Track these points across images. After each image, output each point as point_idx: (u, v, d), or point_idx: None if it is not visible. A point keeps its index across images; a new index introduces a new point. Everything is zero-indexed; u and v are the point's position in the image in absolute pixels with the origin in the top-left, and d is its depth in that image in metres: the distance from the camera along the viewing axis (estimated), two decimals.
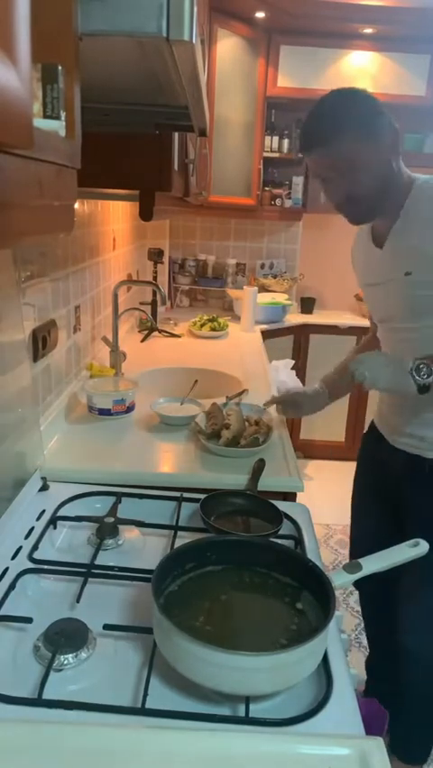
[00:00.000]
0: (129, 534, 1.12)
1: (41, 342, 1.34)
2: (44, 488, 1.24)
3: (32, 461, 1.27)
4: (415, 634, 1.45)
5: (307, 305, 3.84)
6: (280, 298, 3.51)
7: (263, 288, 3.64)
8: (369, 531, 1.58)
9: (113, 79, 0.85)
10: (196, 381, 1.88)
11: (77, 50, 0.54)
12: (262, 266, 3.95)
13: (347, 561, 0.94)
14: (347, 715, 0.74)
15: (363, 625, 2.23)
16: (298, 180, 3.60)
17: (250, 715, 0.72)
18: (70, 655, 0.79)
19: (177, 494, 1.23)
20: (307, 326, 3.60)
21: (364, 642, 2.17)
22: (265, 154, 3.47)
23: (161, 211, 1.46)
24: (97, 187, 1.35)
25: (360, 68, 3.28)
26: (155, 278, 3.03)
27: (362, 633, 2.21)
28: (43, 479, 1.26)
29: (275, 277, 3.83)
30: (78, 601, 0.90)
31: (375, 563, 0.92)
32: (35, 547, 1.03)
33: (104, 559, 1.01)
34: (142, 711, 0.72)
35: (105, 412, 1.61)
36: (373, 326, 1.62)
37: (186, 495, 1.22)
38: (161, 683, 0.77)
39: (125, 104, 1.03)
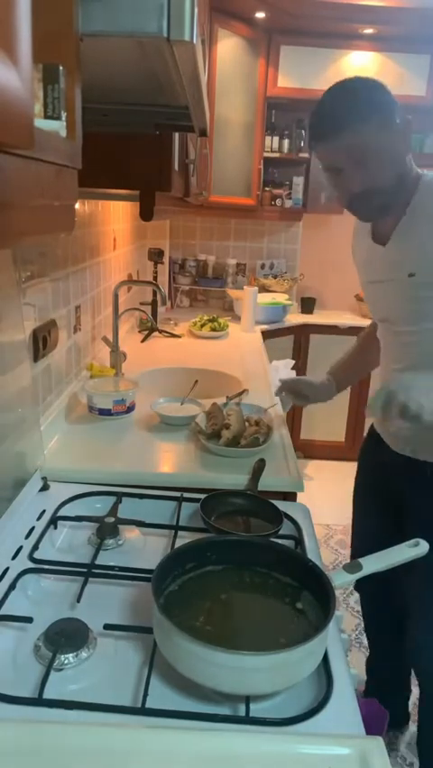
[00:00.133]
0: (129, 534, 1.12)
1: (41, 342, 1.35)
2: (45, 488, 1.24)
3: (33, 461, 1.27)
4: (427, 650, 1.41)
5: (307, 305, 3.84)
6: (281, 298, 3.51)
7: (264, 289, 3.64)
8: (370, 531, 1.57)
9: (113, 79, 0.85)
10: (196, 381, 1.88)
11: (78, 50, 0.54)
12: (263, 266, 3.95)
13: (347, 561, 0.94)
14: (347, 715, 0.74)
15: (363, 625, 2.23)
16: (298, 180, 3.61)
17: (250, 715, 0.72)
18: (71, 655, 0.79)
19: (177, 494, 1.23)
20: (307, 326, 3.61)
21: (365, 642, 2.17)
22: (265, 154, 3.47)
23: (162, 211, 1.46)
24: (98, 188, 1.35)
25: (360, 69, 3.28)
26: (155, 278, 3.03)
27: (362, 633, 2.22)
28: (44, 479, 1.26)
29: (275, 277, 3.83)
30: (78, 601, 0.90)
31: (375, 563, 0.92)
32: (36, 547, 1.03)
33: (104, 559, 1.01)
34: (143, 711, 0.72)
35: (105, 412, 1.61)
36: (373, 324, 1.58)
37: (186, 495, 1.22)
38: (162, 683, 0.77)
39: (126, 104, 1.03)
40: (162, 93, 0.91)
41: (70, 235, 1.63)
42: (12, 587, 0.92)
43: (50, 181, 0.50)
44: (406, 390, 1.13)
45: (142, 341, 2.67)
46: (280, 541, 1.04)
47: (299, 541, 1.10)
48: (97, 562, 0.99)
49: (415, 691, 1.80)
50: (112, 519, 1.11)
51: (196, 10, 0.56)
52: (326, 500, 3.14)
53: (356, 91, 1.16)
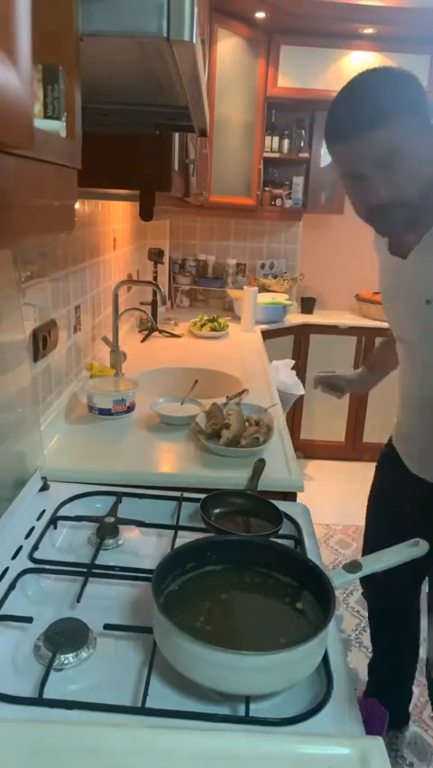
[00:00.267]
0: (129, 533, 1.12)
1: (41, 342, 1.35)
2: (44, 488, 1.24)
3: (33, 461, 1.27)
4: None
5: (307, 305, 3.84)
6: (281, 298, 3.51)
7: (264, 288, 3.64)
8: (381, 539, 1.53)
9: (113, 79, 0.85)
10: (196, 381, 1.88)
11: (77, 50, 0.54)
12: (263, 266, 3.95)
13: (347, 561, 0.94)
14: (347, 715, 0.74)
15: (363, 625, 2.24)
16: (298, 180, 3.61)
17: (250, 715, 0.72)
18: (71, 655, 0.79)
19: (177, 494, 1.23)
20: (307, 326, 3.61)
21: (365, 642, 2.17)
22: (265, 154, 3.47)
23: (162, 211, 1.46)
24: (98, 188, 1.35)
25: (360, 69, 3.24)
26: (155, 278, 3.03)
27: (362, 633, 2.22)
28: (44, 479, 1.26)
29: (275, 277, 3.83)
30: (78, 601, 0.90)
31: (375, 563, 0.92)
32: (35, 547, 1.03)
33: (104, 559, 1.01)
34: (143, 711, 0.72)
35: (105, 412, 1.61)
36: (391, 335, 1.45)
37: (186, 495, 1.22)
38: (161, 683, 0.77)
39: (126, 104, 1.03)
40: (162, 93, 0.91)
41: (70, 235, 1.63)
42: (12, 587, 0.92)
43: (50, 181, 0.50)
44: None
45: (142, 341, 2.67)
46: (280, 541, 1.04)
47: (299, 541, 1.10)
48: (97, 562, 0.99)
49: (416, 692, 1.80)
50: (112, 519, 1.11)
51: (196, 10, 0.56)
52: (326, 500, 3.15)
53: (388, 83, 1.00)
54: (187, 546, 0.93)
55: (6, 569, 0.96)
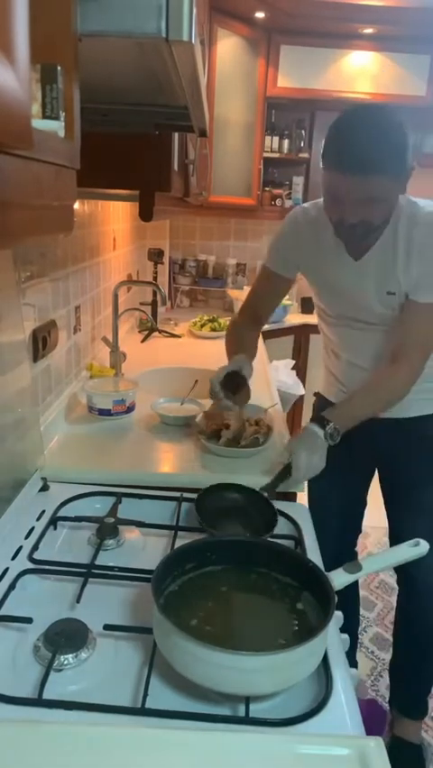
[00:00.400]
0: (129, 534, 1.12)
1: (41, 342, 1.34)
2: (44, 488, 1.24)
3: (32, 461, 1.27)
4: None
5: (307, 305, 3.83)
6: None
7: None
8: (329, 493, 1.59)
9: (112, 79, 0.85)
10: (196, 381, 1.87)
11: (76, 50, 0.54)
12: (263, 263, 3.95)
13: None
14: (347, 715, 0.74)
15: (363, 625, 2.23)
16: (298, 180, 3.60)
17: (250, 715, 0.72)
18: (70, 655, 0.79)
19: (177, 494, 1.23)
20: (307, 326, 3.60)
21: (366, 642, 2.17)
22: (265, 154, 3.46)
23: (161, 211, 1.46)
24: (97, 188, 1.35)
25: (360, 68, 3.28)
26: (155, 278, 3.03)
27: (362, 633, 2.22)
28: (43, 479, 1.26)
29: None
30: (78, 601, 0.90)
31: (375, 563, 0.92)
32: (35, 547, 1.03)
33: (104, 559, 1.01)
34: (142, 711, 0.72)
35: (105, 412, 1.61)
36: (250, 314, 1.68)
37: (186, 495, 1.22)
38: (161, 683, 0.77)
39: (125, 104, 1.03)
40: (162, 93, 0.91)
41: (70, 235, 1.63)
42: (11, 587, 0.92)
43: (49, 181, 0.50)
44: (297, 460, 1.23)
45: (142, 341, 2.67)
46: (279, 541, 1.04)
47: (299, 541, 1.10)
48: (97, 563, 0.99)
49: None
50: (112, 520, 1.11)
51: (194, 10, 0.56)
52: None
53: (387, 137, 1.16)
54: (187, 546, 0.93)
55: (6, 569, 0.96)
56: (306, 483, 1.33)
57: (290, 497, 1.32)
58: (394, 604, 1.72)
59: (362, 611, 2.33)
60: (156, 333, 2.76)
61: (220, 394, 1.43)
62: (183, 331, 2.92)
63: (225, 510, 1.18)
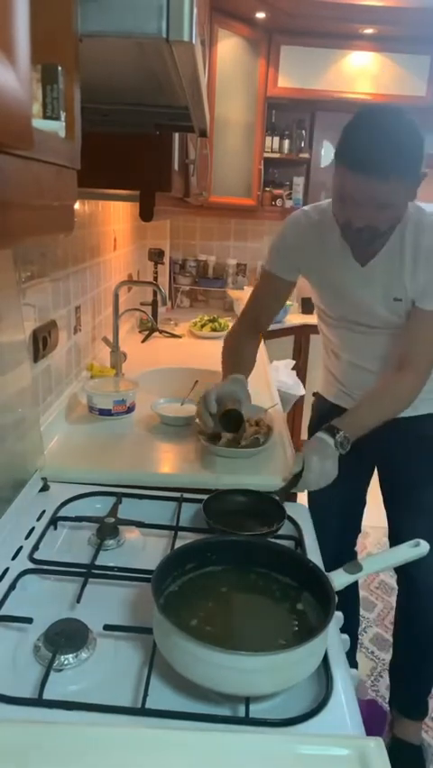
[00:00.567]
0: (129, 534, 1.12)
1: (41, 342, 1.34)
2: (44, 488, 1.24)
3: (33, 461, 1.27)
4: None
5: (307, 305, 3.83)
6: None
7: None
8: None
9: (113, 80, 0.85)
10: (196, 382, 1.87)
11: (76, 50, 0.54)
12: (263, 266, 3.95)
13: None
14: (347, 715, 0.74)
15: (363, 626, 2.23)
16: (298, 181, 3.60)
17: (250, 715, 0.72)
18: (70, 655, 0.79)
19: (177, 494, 1.23)
20: (307, 326, 3.60)
21: (366, 642, 2.17)
22: (266, 155, 3.46)
23: (162, 211, 1.46)
24: (98, 188, 1.35)
25: (360, 69, 3.28)
26: (156, 278, 3.03)
27: (362, 633, 2.22)
28: (44, 479, 1.26)
29: None
30: (78, 601, 0.90)
31: (375, 564, 0.92)
32: (35, 547, 1.03)
33: (104, 559, 1.01)
34: (142, 711, 0.72)
35: (105, 412, 1.61)
36: (250, 322, 1.65)
37: (186, 495, 1.22)
38: (161, 683, 0.77)
39: (125, 104, 1.03)
40: (162, 93, 0.91)
41: (70, 235, 1.63)
42: (12, 587, 0.92)
43: (50, 181, 0.50)
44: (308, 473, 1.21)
45: (143, 341, 2.67)
46: (279, 541, 1.04)
47: (299, 541, 1.10)
48: (97, 563, 0.99)
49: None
50: (112, 520, 1.11)
51: (195, 10, 0.56)
52: None
53: (406, 142, 1.15)
54: (187, 547, 0.93)
55: (6, 569, 0.96)
56: None
57: (291, 497, 1.32)
58: (394, 604, 1.72)
59: (362, 611, 2.32)
60: (156, 334, 2.76)
61: (209, 423, 1.38)
62: (183, 331, 2.92)
63: (231, 513, 1.18)
